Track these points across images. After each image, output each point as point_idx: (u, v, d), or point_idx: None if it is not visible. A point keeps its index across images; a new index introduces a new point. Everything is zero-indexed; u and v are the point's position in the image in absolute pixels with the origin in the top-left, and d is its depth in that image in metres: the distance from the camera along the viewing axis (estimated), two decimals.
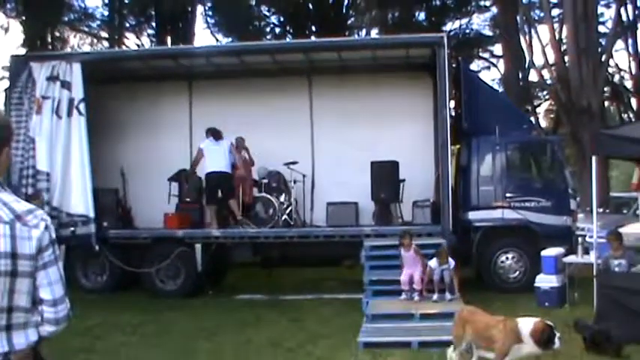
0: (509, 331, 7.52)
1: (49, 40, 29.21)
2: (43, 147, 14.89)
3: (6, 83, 17.79)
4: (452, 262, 12.24)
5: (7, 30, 30.17)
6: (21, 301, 3.01)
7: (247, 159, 15.99)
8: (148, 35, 33.62)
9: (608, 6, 32.35)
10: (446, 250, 12.54)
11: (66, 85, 15.07)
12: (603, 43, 27.03)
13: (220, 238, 15.22)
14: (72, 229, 14.71)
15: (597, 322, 10.00)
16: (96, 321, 12.24)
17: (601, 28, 29.33)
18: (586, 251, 12.95)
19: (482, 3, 36.01)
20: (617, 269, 10.85)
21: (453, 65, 16.99)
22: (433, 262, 12.23)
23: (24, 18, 27.54)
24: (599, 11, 28.15)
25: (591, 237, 12.51)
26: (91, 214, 14.77)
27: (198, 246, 14.99)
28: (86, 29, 34.16)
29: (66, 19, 31.11)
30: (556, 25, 27.83)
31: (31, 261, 3.00)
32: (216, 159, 15.31)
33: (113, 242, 15.30)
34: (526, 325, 7.52)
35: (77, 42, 34.35)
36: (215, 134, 15.48)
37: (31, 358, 3.09)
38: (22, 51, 25.12)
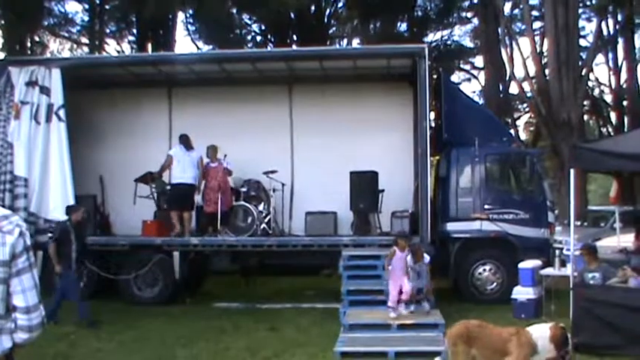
0: (525, 343, 7.43)
1: (29, 44, 29.07)
2: (21, 152, 14.81)
3: None
4: (427, 257, 12.38)
5: None
6: None
7: (223, 168, 15.82)
8: (129, 42, 33.57)
9: (589, 20, 32.69)
10: (421, 248, 12.61)
11: (45, 90, 15.00)
12: (584, 56, 27.24)
13: (199, 246, 15.18)
14: (50, 235, 14.62)
15: (574, 333, 10.04)
16: (72, 327, 12.17)
17: (582, 42, 29.61)
18: (563, 264, 13.02)
19: (463, 15, 36.23)
20: (591, 282, 10.91)
21: (434, 76, 17.05)
22: (408, 259, 12.18)
23: (3, 22, 27.38)
24: (580, 25, 28.40)
25: (568, 250, 12.58)
26: None
27: (176, 254, 14.94)
28: (66, 34, 34.05)
29: (46, 23, 30.99)
30: (537, 38, 28.11)
31: (5, 267, 2.97)
32: (184, 169, 15.38)
33: (91, 249, 15.19)
34: (541, 332, 7.49)
35: (57, 47, 34.28)
36: (187, 143, 15.51)
37: None
38: (1, 55, 24.98)
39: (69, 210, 13.58)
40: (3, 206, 14.39)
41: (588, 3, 31.92)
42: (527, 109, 38.14)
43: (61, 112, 14.96)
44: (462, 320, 8.21)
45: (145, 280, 15.13)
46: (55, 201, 14.81)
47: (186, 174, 15.36)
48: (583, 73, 25.08)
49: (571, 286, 10.93)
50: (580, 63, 25.46)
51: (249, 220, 15.44)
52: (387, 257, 12.09)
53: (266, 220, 15.67)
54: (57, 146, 14.94)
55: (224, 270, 16.36)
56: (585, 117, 34.22)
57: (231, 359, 10.27)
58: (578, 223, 16.83)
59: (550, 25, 23.96)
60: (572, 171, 11.57)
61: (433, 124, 16.65)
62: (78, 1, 32.30)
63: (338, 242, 14.71)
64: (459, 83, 36.31)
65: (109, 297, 15.23)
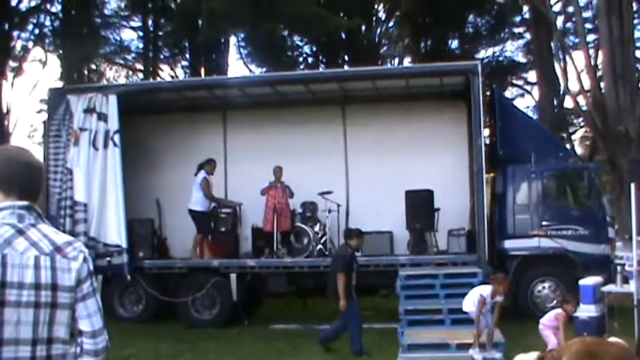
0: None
1: (86, 72, 29.67)
2: (81, 178, 15.07)
3: (44, 116, 18.07)
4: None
5: (45, 64, 30.82)
6: (60, 333, 3.00)
7: (283, 189, 15.88)
8: (182, 67, 34.02)
9: None
10: (507, 279, 11.36)
11: (102, 117, 15.27)
12: None
13: (255, 268, 15.25)
14: (108, 259, 14.85)
15: (638, 352, 9.83)
16: (133, 350, 12.28)
17: (638, 54, 29.07)
18: (625, 280, 12.73)
19: (515, 30, 35.98)
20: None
21: (487, 93, 16.94)
22: (486, 290, 10.89)
23: (61, 52, 28.01)
24: (636, 36, 27.90)
25: (631, 265, 12.31)
26: (124, 245, 14.89)
27: (233, 276, 15.01)
28: (122, 62, 34.74)
29: (102, 52, 31.62)
30: (591, 51, 27.66)
31: (71, 293, 3.00)
32: (191, 195, 15.78)
33: (149, 272, 15.37)
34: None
35: (113, 74, 34.99)
36: (197, 168, 15.96)
37: None
38: (60, 84, 25.53)
39: (349, 234, 12.71)
40: (64, 231, 14.69)
41: None
42: (582, 124, 37.58)
43: (116, 138, 15.20)
44: (575, 339, 8.09)
45: (203, 303, 15.24)
46: (113, 225, 15.05)
47: (192, 199, 15.71)
48: None
49: (635, 303, 10.71)
50: (637, 75, 25.03)
51: (305, 241, 15.48)
52: None
53: (322, 240, 15.68)
54: (113, 171, 15.18)
55: (281, 291, 16.40)
56: None
57: None
58: None
59: (604, 38, 23.58)
60: (632, 185, 11.37)
61: (488, 141, 16.51)
62: (132, 29, 33.00)
63: (394, 262, 14.65)
64: (513, 99, 35.98)
65: (168, 319, 15.38)
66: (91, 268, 3.11)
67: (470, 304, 10.76)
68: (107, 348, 3.16)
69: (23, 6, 27.76)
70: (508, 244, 15.00)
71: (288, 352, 12.25)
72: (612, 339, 7.84)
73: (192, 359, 11.86)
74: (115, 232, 15.02)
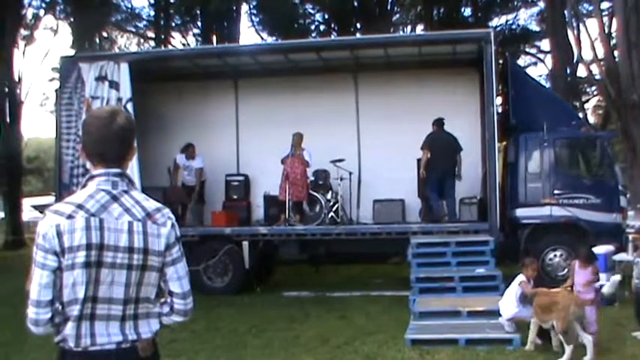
0: None
1: (98, 40, 29.64)
2: None
3: (56, 84, 18.07)
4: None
5: (56, 32, 30.85)
6: (147, 293, 3.26)
7: (299, 159, 15.74)
8: (194, 35, 34.00)
9: None
10: (534, 261, 10.67)
11: (114, 85, 15.24)
12: None
13: (267, 236, 15.30)
14: None
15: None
16: None
17: None
18: (637, 249, 12.75)
19: None
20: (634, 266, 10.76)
21: (500, 61, 16.84)
22: (521, 277, 10.33)
23: (73, 20, 27.99)
24: None
25: None
26: None
27: (245, 243, 15.08)
28: (133, 29, 34.75)
29: (113, 19, 31.59)
30: (605, 19, 27.41)
31: (160, 257, 3.25)
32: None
33: None
34: None
35: (124, 42, 35.00)
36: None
37: (152, 346, 3.36)
38: (72, 52, 25.51)
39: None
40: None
41: None
42: (595, 92, 37.38)
43: (129, 106, 15.15)
44: None
45: (215, 270, 15.32)
46: None
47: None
48: None
49: None
50: None
51: (317, 208, 15.54)
52: None
53: (334, 208, 15.72)
54: None
55: (293, 259, 16.47)
56: None
57: (302, 347, 10.32)
58: None
59: (619, 5, 23.34)
60: None
61: (500, 110, 16.44)
62: None
63: (406, 230, 14.66)
64: (526, 67, 35.76)
65: None
66: (178, 233, 3.37)
67: (509, 304, 10.25)
68: (194, 309, 3.46)
69: None
70: (520, 212, 14.99)
71: (300, 318, 12.32)
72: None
73: (204, 326, 11.92)
74: None
